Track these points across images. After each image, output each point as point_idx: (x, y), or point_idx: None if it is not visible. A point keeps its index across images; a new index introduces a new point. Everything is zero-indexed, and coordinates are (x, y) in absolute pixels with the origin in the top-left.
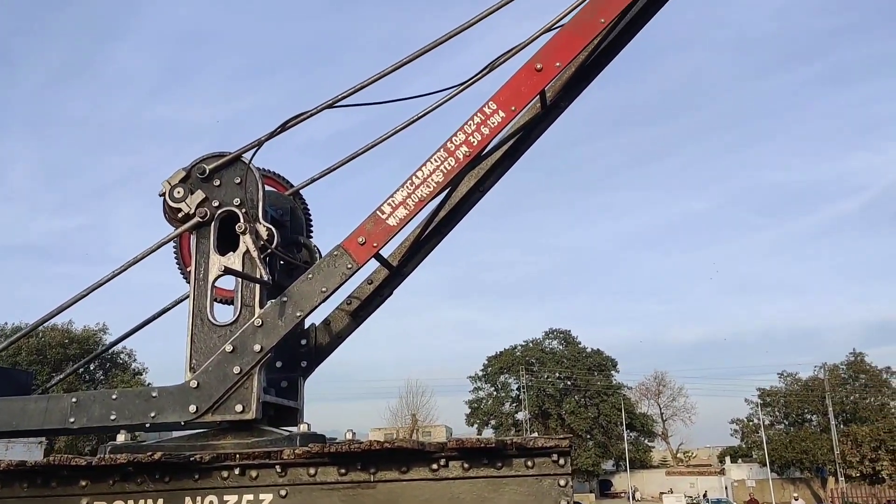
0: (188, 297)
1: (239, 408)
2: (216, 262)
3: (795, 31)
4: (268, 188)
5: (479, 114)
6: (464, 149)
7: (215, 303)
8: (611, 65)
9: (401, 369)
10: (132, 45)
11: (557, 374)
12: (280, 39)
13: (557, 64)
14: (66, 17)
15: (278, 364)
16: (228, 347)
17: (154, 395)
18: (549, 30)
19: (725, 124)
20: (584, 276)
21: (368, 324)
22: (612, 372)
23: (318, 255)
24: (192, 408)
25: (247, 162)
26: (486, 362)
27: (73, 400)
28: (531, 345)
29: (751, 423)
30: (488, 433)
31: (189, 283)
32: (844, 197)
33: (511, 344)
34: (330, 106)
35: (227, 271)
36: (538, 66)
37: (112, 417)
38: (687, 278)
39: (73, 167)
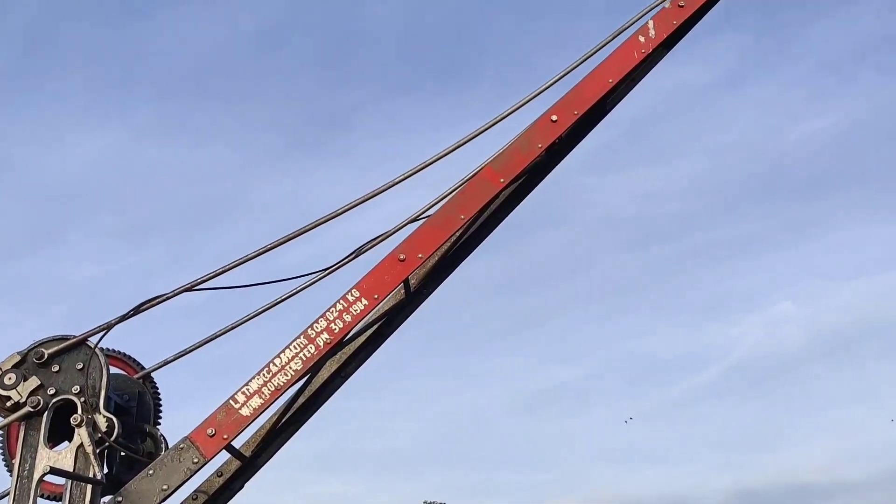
0: (7, 494)
1: None
2: (44, 457)
3: (656, 213)
4: (115, 370)
5: (341, 301)
6: (325, 336)
7: (44, 499)
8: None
9: None
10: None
11: None
12: (162, 202)
13: (420, 255)
14: None
15: None
16: None
17: None
18: (413, 220)
19: (596, 295)
20: (461, 443)
21: None
22: None
23: (164, 447)
24: None
25: (92, 346)
26: None
27: None
28: None
29: None
30: None
31: (12, 478)
32: (704, 367)
33: None
34: (189, 289)
35: (54, 471)
36: (401, 257)
37: None
38: (562, 445)
39: None
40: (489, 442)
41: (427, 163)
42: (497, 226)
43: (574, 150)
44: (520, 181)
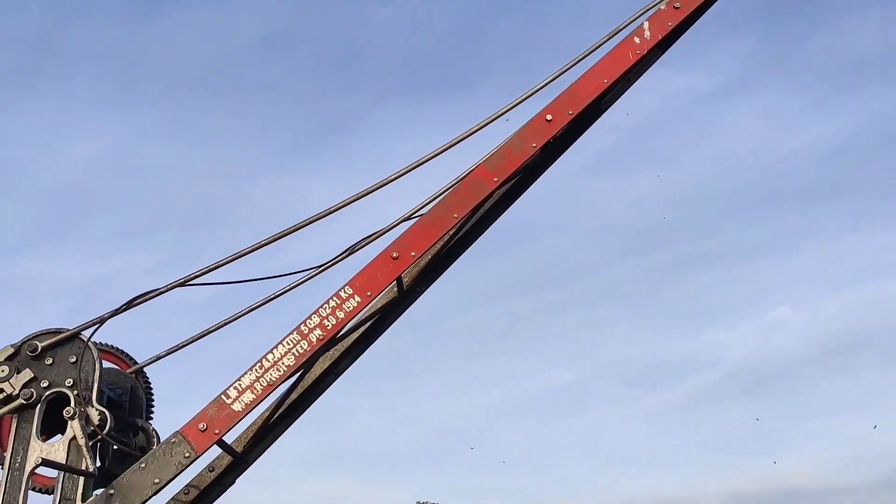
0: None
1: None
2: (36, 449)
3: (654, 220)
4: (108, 364)
5: (335, 297)
6: (318, 332)
7: (36, 492)
8: (480, 240)
9: None
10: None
11: None
12: (162, 203)
13: (413, 253)
14: None
15: None
16: None
17: None
18: (407, 219)
19: (591, 300)
20: (456, 445)
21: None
22: None
23: (156, 441)
24: None
25: (85, 339)
26: None
27: None
28: None
29: None
30: None
31: (2, 471)
32: (699, 372)
33: None
34: (182, 284)
35: (46, 463)
36: (394, 255)
37: None
38: (557, 449)
39: None
40: (484, 444)
41: (421, 161)
42: (490, 225)
43: (569, 150)
44: (514, 181)
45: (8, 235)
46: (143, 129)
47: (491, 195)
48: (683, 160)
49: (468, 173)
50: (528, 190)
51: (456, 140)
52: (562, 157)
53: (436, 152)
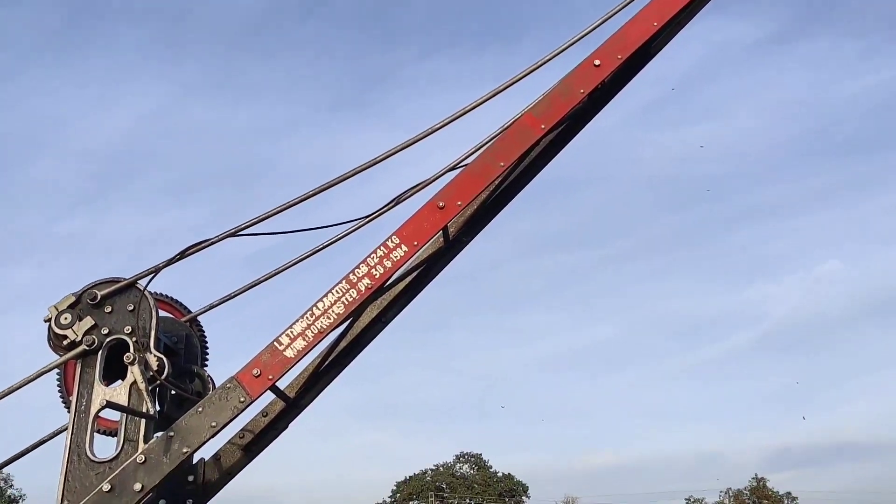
0: (67, 429)
1: None
2: (100, 393)
3: (696, 174)
4: (163, 313)
5: (382, 247)
6: (366, 281)
7: (99, 434)
8: (523, 193)
9: (303, 495)
10: (53, 158)
11: (468, 500)
12: (208, 160)
13: (459, 203)
14: None
15: (161, 503)
16: (106, 486)
17: None
18: (452, 169)
19: (637, 254)
20: (496, 398)
21: (272, 445)
22: (524, 497)
23: (211, 386)
24: None
25: (142, 288)
26: (395, 488)
27: None
28: (441, 469)
29: None
30: None
31: (69, 413)
32: (745, 327)
33: (421, 469)
34: (233, 234)
35: (110, 405)
36: (440, 204)
37: None
38: (598, 402)
39: None
40: (527, 396)
41: (466, 109)
42: (536, 175)
43: (615, 97)
44: (560, 128)
45: (63, 194)
46: (188, 87)
47: (537, 143)
48: (732, 112)
49: (514, 121)
50: (574, 140)
51: (502, 87)
52: (608, 105)
53: (482, 99)
